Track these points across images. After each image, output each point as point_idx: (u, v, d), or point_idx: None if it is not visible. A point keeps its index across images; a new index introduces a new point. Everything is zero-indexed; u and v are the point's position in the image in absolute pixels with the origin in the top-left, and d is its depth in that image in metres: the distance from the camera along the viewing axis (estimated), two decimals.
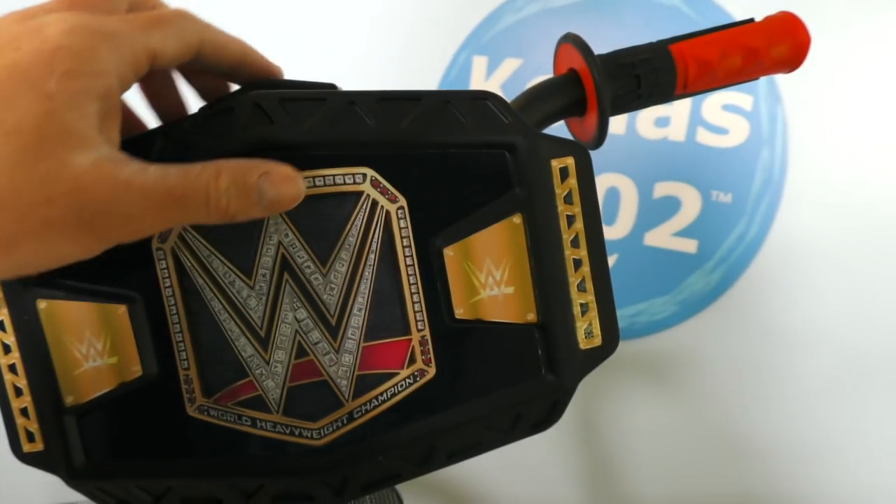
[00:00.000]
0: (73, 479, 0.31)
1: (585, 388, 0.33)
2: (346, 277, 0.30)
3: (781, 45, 0.35)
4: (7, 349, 0.30)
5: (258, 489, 0.31)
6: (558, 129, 0.36)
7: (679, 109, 0.95)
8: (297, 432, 0.31)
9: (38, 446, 0.31)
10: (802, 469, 0.94)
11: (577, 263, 0.31)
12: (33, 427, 0.30)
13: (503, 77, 0.98)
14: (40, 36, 0.24)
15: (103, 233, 0.25)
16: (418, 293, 0.31)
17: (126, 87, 0.27)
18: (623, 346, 0.33)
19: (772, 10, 0.39)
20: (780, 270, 0.92)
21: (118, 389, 0.30)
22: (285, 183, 0.28)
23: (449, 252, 0.30)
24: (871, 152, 0.86)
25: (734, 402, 0.95)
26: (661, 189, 0.93)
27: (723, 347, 0.95)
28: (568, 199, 0.31)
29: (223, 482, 0.31)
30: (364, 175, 0.30)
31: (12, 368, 0.30)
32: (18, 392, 0.30)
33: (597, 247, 0.31)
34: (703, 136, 0.93)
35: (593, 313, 0.31)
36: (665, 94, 0.35)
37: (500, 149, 0.30)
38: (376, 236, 0.30)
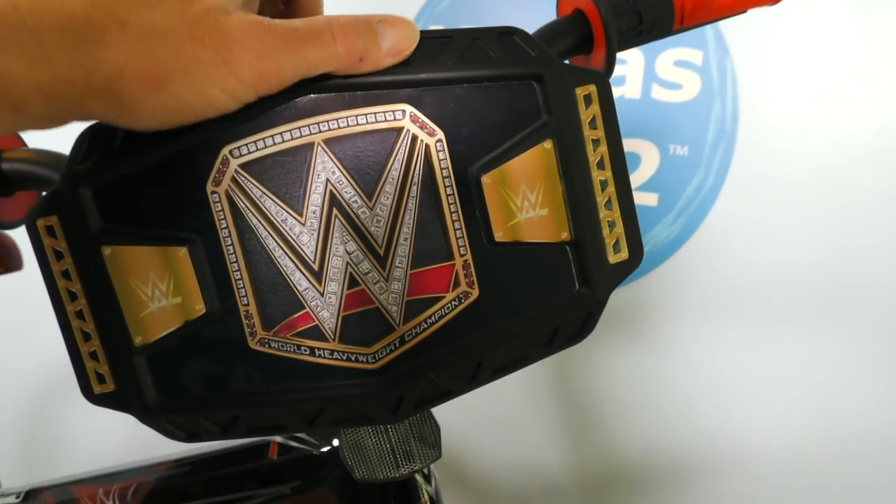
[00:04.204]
0: (146, 415, 0.32)
1: None
2: (391, 209, 0.32)
3: None
4: (73, 297, 0.31)
5: (319, 413, 0.33)
6: None
7: (634, 67, 0.97)
8: (353, 358, 0.33)
9: (110, 387, 0.32)
10: (771, 406, 0.97)
11: (604, 184, 0.33)
12: (103, 369, 0.31)
13: None
14: None
15: (244, 73, 0.28)
16: (459, 220, 0.32)
17: None
18: None
19: None
20: (737, 217, 0.94)
21: (184, 328, 0.32)
22: (402, 24, 0.31)
23: (486, 180, 0.32)
24: (814, 99, 0.89)
25: (700, 346, 0.97)
26: None
27: (687, 294, 0.97)
28: (592, 125, 0.33)
29: (286, 409, 0.33)
30: (403, 111, 0.31)
31: (79, 315, 0.31)
32: (87, 337, 0.31)
33: (620, 168, 0.33)
34: (658, 93, 0.95)
35: (619, 229, 0.34)
36: (664, 28, 0.38)
37: (528, 80, 0.32)
38: (417, 169, 0.32)
